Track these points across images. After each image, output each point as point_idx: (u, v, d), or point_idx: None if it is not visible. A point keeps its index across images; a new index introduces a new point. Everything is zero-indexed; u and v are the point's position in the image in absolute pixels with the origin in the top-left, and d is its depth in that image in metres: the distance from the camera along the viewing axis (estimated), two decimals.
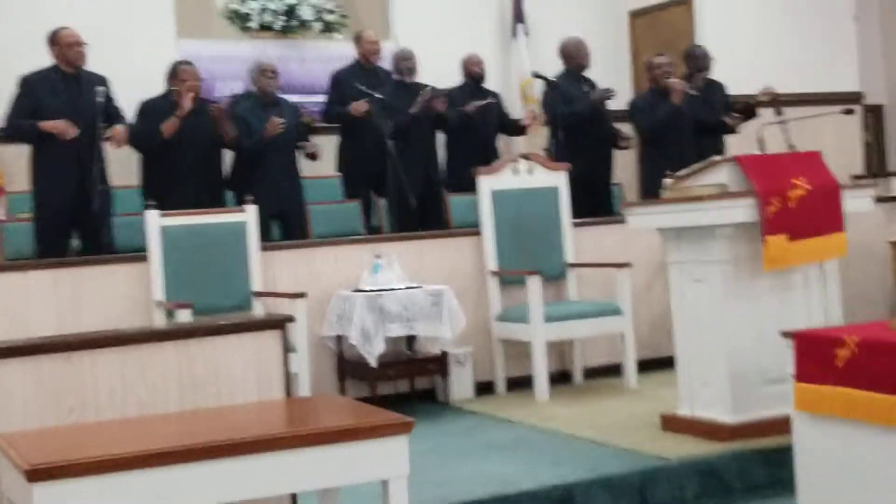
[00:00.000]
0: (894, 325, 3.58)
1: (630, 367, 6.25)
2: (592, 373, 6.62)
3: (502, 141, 8.70)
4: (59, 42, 6.38)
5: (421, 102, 7.42)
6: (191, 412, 3.27)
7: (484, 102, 7.88)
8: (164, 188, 6.59)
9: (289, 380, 3.49)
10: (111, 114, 6.44)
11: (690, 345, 4.88)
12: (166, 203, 6.24)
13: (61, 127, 6.12)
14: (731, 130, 8.01)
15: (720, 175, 4.73)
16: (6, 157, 7.30)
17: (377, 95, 7.19)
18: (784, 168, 4.67)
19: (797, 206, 4.60)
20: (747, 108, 8.07)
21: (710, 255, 4.73)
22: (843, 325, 4.51)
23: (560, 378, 6.58)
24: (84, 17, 7.74)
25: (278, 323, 3.47)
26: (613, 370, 6.47)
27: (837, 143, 8.83)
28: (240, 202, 6.34)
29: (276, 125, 6.73)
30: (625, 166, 8.29)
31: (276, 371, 3.46)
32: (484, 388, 6.37)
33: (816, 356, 3.67)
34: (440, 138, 8.01)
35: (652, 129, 7.56)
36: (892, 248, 7.26)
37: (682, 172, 4.90)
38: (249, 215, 5.88)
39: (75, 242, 6.46)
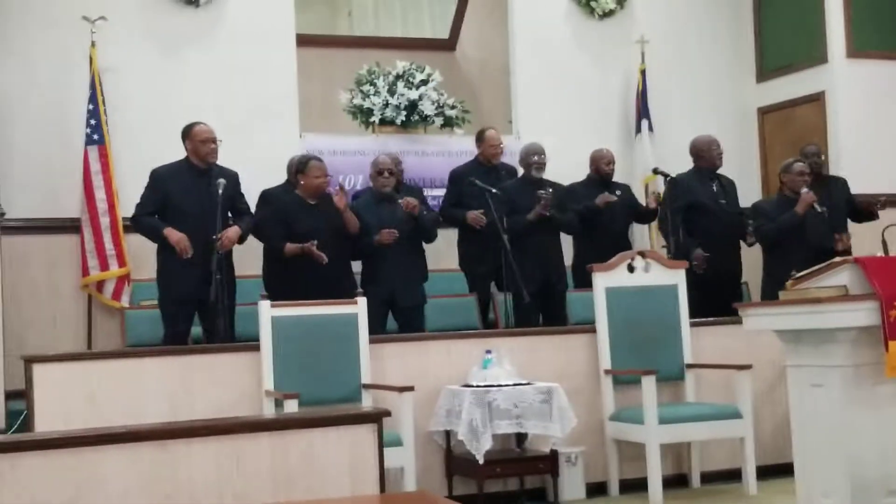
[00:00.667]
0: None
1: (750, 473, 6.02)
2: (711, 477, 6.41)
3: (637, 234, 8.64)
4: (193, 137, 6.59)
5: (537, 211, 7.36)
6: None
7: (613, 198, 7.78)
8: (286, 279, 6.66)
9: (383, 475, 3.43)
10: (238, 209, 6.57)
11: (809, 452, 4.66)
12: (290, 294, 6.31)
13: (182, 245, 6.32)
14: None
15: (841, 277, 4.56)
16: (133, 245, 7.53)
17: (494, 191, 7.18)
18: None
19: None
20: (869, 209, 7.82)
21: (829, 359, 4.53)
22: None
23: (676, 481, 6.39)
24: (212, 111, 8.03)
25: (375, 417, 3.44)
26: (733, 475, 6.25)
27: None
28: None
29: (389, 236, 6.75)
30: (754, 265, 8.06)
31: (371, 466, 3.42)
32: (597, 490, 6.22)
33: None
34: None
35: (767, 236, 7.38)
36: None
37: (802, 273, 4.73)
38: (360, 307, 5.89)
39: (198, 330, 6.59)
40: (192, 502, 3.20)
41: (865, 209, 7.89)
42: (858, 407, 4.50)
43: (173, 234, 6.35)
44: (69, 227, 7.74)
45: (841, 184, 8.15)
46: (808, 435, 4.66)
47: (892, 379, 4.44)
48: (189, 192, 6.49)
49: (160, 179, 6.56)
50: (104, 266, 7.62)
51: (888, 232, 5.44)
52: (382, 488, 3.43)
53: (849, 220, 7.96)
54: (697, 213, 7.64)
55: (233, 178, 6.63)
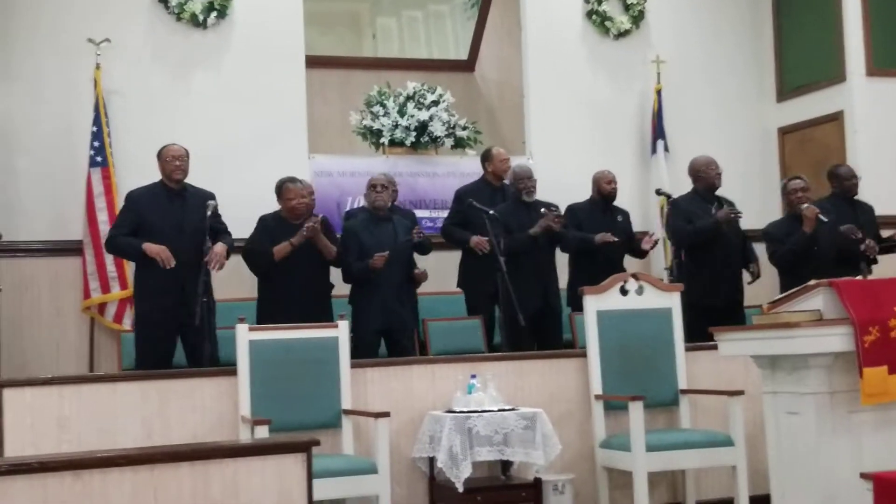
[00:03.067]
0: None
1: (742, 502, 5.84)
2: None
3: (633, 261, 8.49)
4: (162, 157, 6.56)
5: (543, 224, 7.25)
6: None
7: (613, 240, 7.62)
8: (274, 304, 6.65)
9: None
10: (217, 230, 6.51)
11: (785, 482, 4.51)
12: (277, 319, 6.28)
13: (163, 256, 6.25)
14: (873, 260, 7.51)
15: (815, 301, 4.41)
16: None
17: (491, 213, 7.07)
18: (885, 295, 4.32)
19: None
20: (890, 242, 7.61)
21: (804, 386, 4.38)
22: None
23: None
24: (218, 133, 8.07)
25: (303, 446, 3.35)
26: None
27: None
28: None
29: (380, 260, 6.69)
30: (764, 290, 7.87)
31: (299, 497, 3.33)
32: None
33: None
34: (564, 257, 7.84)
35: (783, 260, 7.20)
36: None
37: (778, 297, 4.59)
38: (341, 331, 5.81)
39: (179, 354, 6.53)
40: None
41: (886, 243, 7.70)
42: (835, 436, 4.34)
43: (152, 247, 6.27)
44: (73, 249, 7.77)
45: (868, 208, 7.87)
46: (785, 463, 4.52)
47: (869, 406, 4.28)
48: (163, 213, 6.42)
49: (135, 201, 6.51)
50: (106, 288, 7.64)
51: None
52: None
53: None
54: None
55: (213, 199, 6.57)
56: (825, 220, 7.11)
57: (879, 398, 4.21)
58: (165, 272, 6.24)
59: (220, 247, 6.35)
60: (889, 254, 7.62)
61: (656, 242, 7.93)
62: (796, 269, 7.10)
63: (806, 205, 7.17)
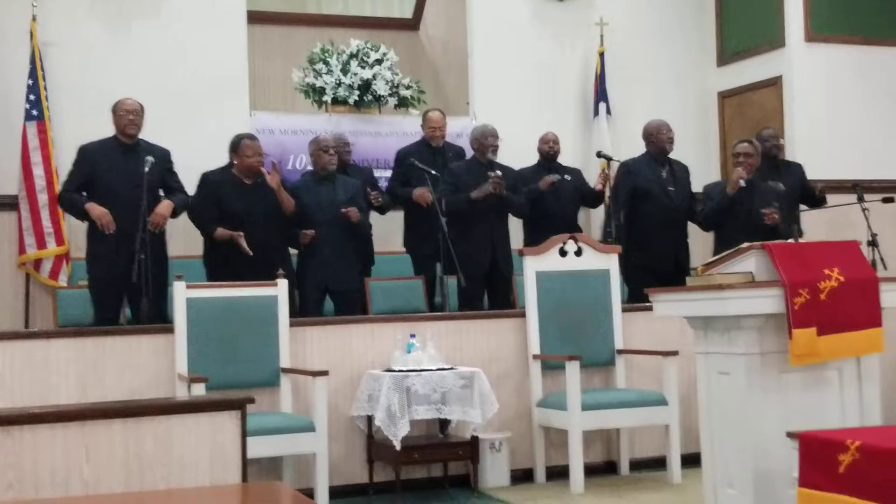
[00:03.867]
0: None
1: (674, 461, 5.95)
2: (640, 465, 6.34)
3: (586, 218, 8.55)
4: (115, 111, 6.47)
5: (485, 189, 7.23)
6: (135, 495, 3.15)
7: (555, 178, 7.67)
8: (225, 261, 6.56)
9: (245, 463, 3.34)
10: (170, 187, 6.44)
11: (716, 441, 4.58)
12: (229, 276, 6.23)
13: (104, 220, 6.18)
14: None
15: (748, 263, 4.47)
16: (72, 224, 7.42)
17: (433, 172, 7.07)
18: (817, 258, 4.39)
19: (828, 299, 4.31)
20: (819, 195, 7.76)
21: (735, 347, 4.45)
22: (874, 426, 4.18)
23: (606, 468, 6.33)
24: (158, 87, 7.94)
25: (237, 404, 3.34)
26: (662, 463, 6.16)
27: None
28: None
29: (306, 238, 6.68)
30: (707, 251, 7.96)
31: (233, 454, 3.32)
32: (523, 476, 6.14)
33: (820, 460, 3.40)
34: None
35: (707, 218, 7.30)
36: None
37: (712, 259, 4.65)
38: (280, 289, 5.79)
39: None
40: (36, 492, 3.11)
41: (816, 195, 7.83)
42: (765, 396, 4.41)
43: (95, 209, 6.21)
44: (8, 204, 7.65)
45: (795, 168, 8.08)
46: (715, 424, 4.60)
47: (798, 367, 4.36)
48: (116, 168, 6.36)
49: (87, 155, 6.43)
50: (41, 244, 7.53)
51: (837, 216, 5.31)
52: (244, 477, 3.35)
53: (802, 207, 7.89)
54: (642, 198, 7.55)
55: (163, 156, 6.51)
56: (743, 185, 7.17)
57: (808, 359, 4.29)
58: (116, 230, 6.17)
59: (162, 206, 6.28)
60: (819, 208, 7.77)
61: (608, 177, 7.94)
62: (728, 230, 7.18)
63: (739, 170, 7.24)
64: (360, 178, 7.56)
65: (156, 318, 6.13)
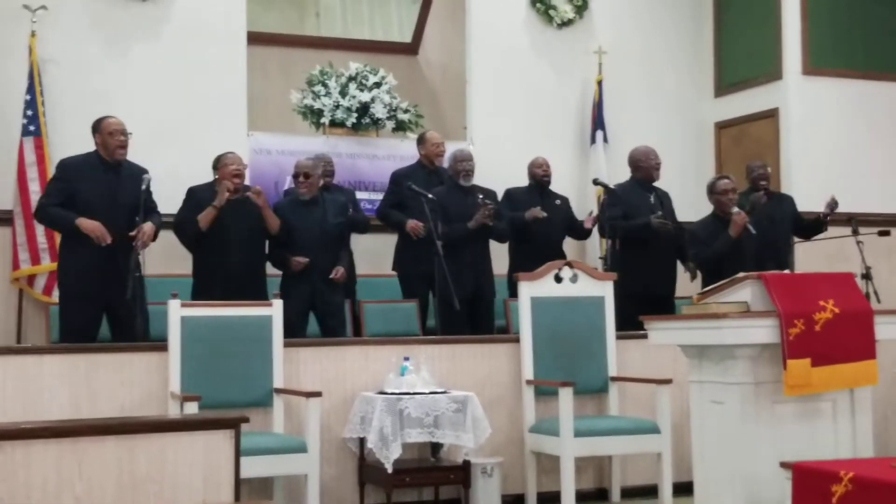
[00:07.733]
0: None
1: (666, 489, 5.95)
2: (631, 492, 6.34)
3: (573, 246, 8.55)
4: (102, 130, 6.40)
5: (479, 220, 7.25)
6: None
7: (542, 216, 7.68)
8: (210, 279, 6.58)
9: (238, 482, 3.34)
10: (147, 207, 6.36)
11: (708, 471, 4.57)
12: (213, 294, 6.26)
13: (98, 232, 6.12)
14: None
15: (744, 293, 4.48)
16: None
17: (430, 196, 7.08)
18: (812, 289, 4.40)
19: (823, 330, 4.31)
20: (817, 224, 7.79)
21: (729, 376, 4.44)
22: (867, 458, 4.18)
23: (597, 495, 6.33)
24: (155, 106, 7.97)
25: (231, 423, 3.34)
26: (653, 491, 6.15)
27: None
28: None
29: (298, 266, 6.68)
30: (697, 281, 7.96)
31: (226, 473, 3.32)
32: (515, 502, 6.13)
33: (813, 491, 3.42)
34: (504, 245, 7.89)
35: (707, 262, 7.22)
36: None
37: (708, 288, 4.66)
38: (276, 309, 5.79)
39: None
40: None
41: (814, 221, 7.84)
42: (758, 426, 4.40)
43: (86, 223, 6.13)
44: (2, 219, 7.63)
45: (787, 201, 8.09)
46: (708, 453, 4.58)
47: (792, 398, 4.36)
48: (97, 186, 6.28)
49: (68, 171, 6.36)
50: (35, 260, 7.51)
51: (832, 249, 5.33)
52: (237, 496, 3.34)
53: (795, 238, 7.94)
54: None
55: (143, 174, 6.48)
56: (753, 231, 7.13)
57: (802, 390, 4.29)
58: (93, 246, 6.13)
59: (148, 226, 6.22)
60: (820, 231, 7.89)
61: (597, 219, 7.96)
62: (720, 272, 7.16)
63: (736, 209, 7.19)
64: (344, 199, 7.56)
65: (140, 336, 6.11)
